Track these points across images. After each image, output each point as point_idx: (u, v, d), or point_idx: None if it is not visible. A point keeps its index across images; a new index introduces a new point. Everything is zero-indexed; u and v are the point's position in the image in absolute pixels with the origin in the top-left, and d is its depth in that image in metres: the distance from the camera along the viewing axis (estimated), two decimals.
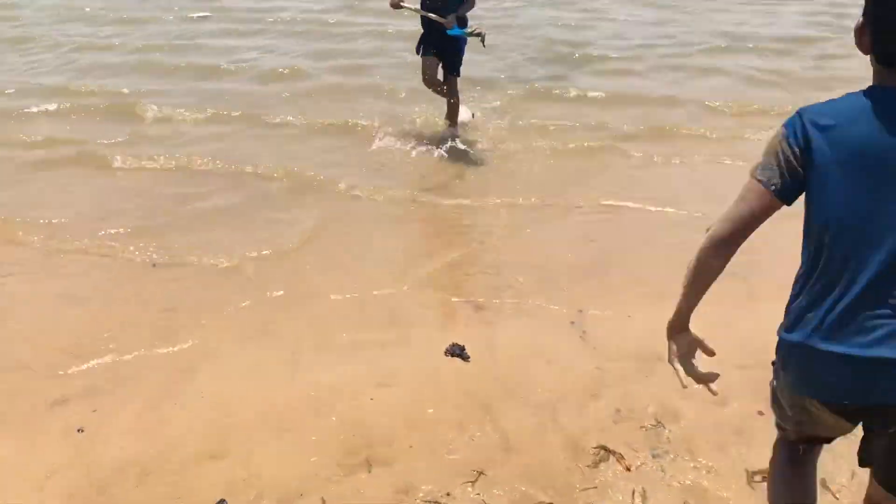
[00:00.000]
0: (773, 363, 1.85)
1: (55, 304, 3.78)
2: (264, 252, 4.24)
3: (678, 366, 1.91)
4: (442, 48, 5.68)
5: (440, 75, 5.87)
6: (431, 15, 5.46)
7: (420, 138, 5.95)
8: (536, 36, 9.13)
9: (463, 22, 5.49)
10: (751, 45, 8.83)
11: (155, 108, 6.53)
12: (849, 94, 1.67)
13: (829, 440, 1.97)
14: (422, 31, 5.80)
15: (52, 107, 6.59)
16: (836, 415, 1.75)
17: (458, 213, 4.91)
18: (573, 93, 7.12)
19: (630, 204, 4.92)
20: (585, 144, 5.93)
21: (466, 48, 5.79)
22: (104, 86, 7.21)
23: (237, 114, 6.53)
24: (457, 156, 5.71)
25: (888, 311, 1.59)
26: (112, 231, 4.45)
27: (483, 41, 5.47)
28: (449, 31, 5.37)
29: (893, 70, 1.62)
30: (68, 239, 4.37)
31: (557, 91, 7.18)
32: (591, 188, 5.19)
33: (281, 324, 3.63)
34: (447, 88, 5.91)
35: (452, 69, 5.79)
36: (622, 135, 6.15)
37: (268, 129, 6.28)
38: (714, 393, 1.93)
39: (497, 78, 7.53)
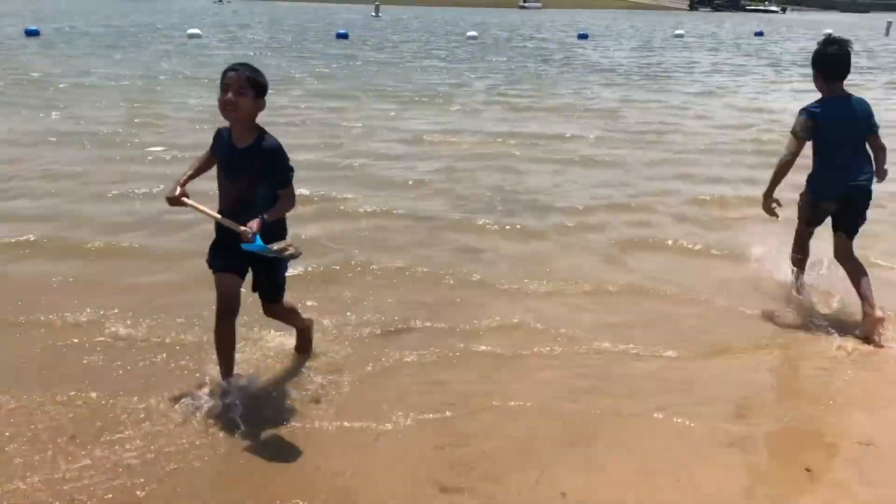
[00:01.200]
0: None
1: None
2: None
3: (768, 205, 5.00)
4: (245, 263, 3.78)
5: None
6: (224, 220, 3.61)
7: (274, 383, 4.07)
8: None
9: (275, 232, 3.66)
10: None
11: None
12: (821, 101, 4.91)
13: None
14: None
15: None
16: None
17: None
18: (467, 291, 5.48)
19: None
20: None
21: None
22: None
23: None
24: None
25: None
26: None
27: (288, 260, 3.69)
28: (245, 245, 3.49)
29: (833, 86, 4.90)
30: None
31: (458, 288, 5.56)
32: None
33: None
34: (277, 315, 4.11)
35: (267, 295, 3.95)
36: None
37: None
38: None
39: (374, 264, 5.90)
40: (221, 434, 3.57)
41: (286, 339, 4.44)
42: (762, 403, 4.15)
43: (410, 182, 8.60)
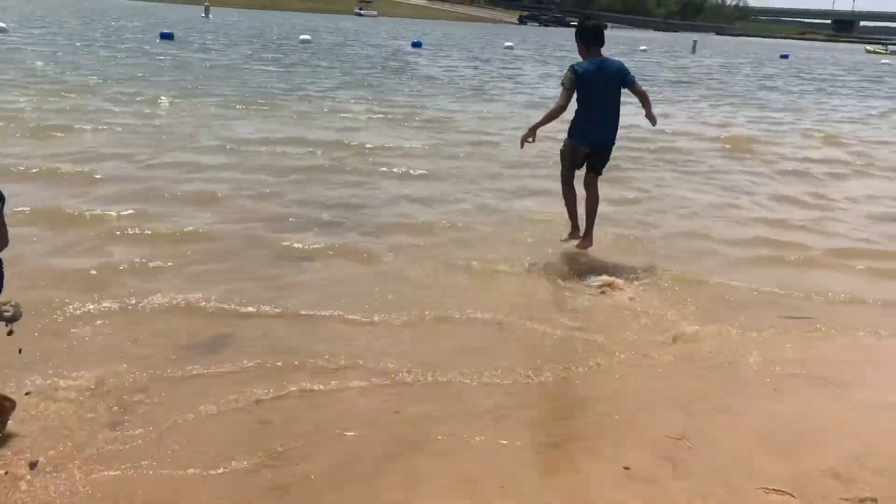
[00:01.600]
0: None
1: None
2: None
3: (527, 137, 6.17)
4: None
5: None
6: None
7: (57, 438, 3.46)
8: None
9: None
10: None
11: None
12: (585, 62, 6.02)
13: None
14: None
15: None
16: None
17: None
18: None
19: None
20: None
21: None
22: None
23: None
24: None
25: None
26: None
27: (7, 325, 2.90)
28: None
29: (591, 51, 6.09)
30: None
31: None
32: None
33: None
34: None
35: None
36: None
37: None
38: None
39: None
40: None
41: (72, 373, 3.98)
42: (583, 408, 4.22)
43: (220, 195, 7.86)
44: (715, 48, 69.95)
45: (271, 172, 9.22)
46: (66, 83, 15.94)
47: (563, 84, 6.07)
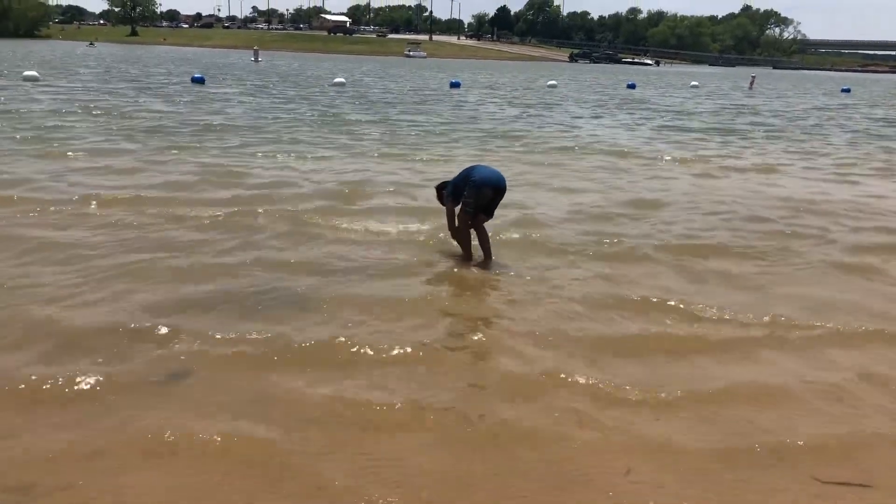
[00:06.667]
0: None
1: None
2: None
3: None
4: None
5: None
6: None
7: None
8: None
9: None
10: None
11: None
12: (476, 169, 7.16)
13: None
14: None
15: None
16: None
17: None
18: None
19: None
20: None
21: None
22: None
23: None
24: None
25: None
26: None
27: None
28: None
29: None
30: None
31: None
32: None
33: None
34: None
35: None
36: None
37: None
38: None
39: None
40: None
41: None
42: None
43: None
44: (774, 84, 66.65)
45: None
46: None
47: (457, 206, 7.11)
